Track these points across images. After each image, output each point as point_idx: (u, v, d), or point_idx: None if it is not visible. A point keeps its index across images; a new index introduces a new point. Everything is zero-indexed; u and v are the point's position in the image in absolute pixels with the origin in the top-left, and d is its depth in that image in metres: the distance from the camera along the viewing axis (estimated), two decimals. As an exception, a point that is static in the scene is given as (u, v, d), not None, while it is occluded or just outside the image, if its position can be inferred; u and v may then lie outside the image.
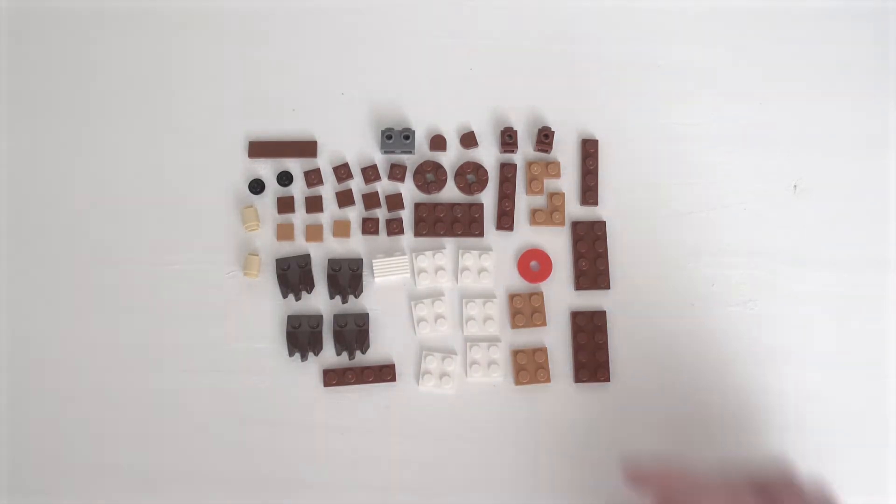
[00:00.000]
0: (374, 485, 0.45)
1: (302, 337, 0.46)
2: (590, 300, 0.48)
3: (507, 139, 0.49)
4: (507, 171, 0.49)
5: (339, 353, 0.46)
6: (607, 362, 0.46)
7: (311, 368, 0.46)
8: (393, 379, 0.46)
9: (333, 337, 0.46)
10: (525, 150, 0.50)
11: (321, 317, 0.46)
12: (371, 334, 0.47)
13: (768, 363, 0.47)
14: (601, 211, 0.49)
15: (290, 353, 0.46)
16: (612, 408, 0.46)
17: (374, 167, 0.49)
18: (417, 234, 0.48)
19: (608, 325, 0.47)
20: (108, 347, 0.46)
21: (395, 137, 0.49)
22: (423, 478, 0.45)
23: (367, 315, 0.46)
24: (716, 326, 0.47)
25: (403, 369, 0.46)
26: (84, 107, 0.50)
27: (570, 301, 0.48)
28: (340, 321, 0.46)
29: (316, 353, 0.46)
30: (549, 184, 0.50)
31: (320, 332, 0.46)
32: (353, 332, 0.45)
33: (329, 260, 0.47)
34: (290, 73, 0.51)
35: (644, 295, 0.48)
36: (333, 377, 0.45)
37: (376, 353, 0.47)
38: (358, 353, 0.46)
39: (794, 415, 0.46)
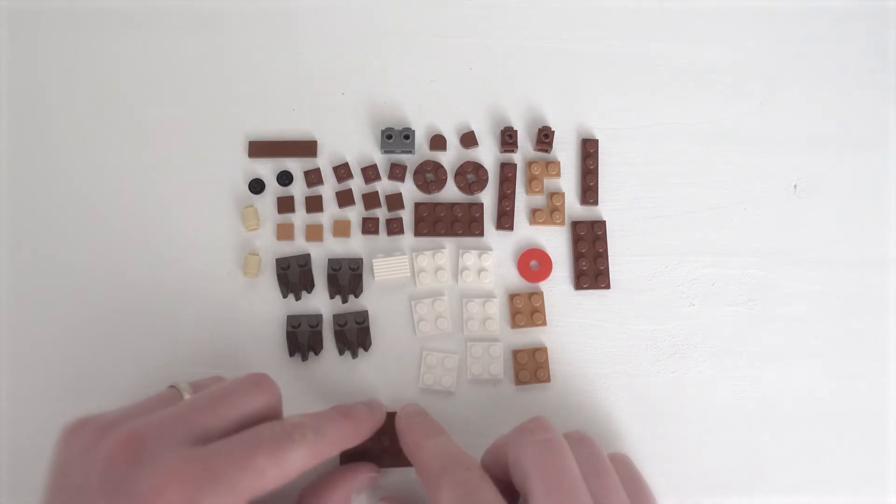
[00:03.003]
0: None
1: (302, 337, 0.46)
2: (590, 300, 0.48)
3: (507, 139, 0.49)
4: (507, 171, 0.49)
5: (341, 353, 0.46)
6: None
7: (312, 368, 0.46)
8: None
9: (335, 336, 0.46)
10: (525, 149, 0.50)
11: (321, 316, 0.46)
12: (371, 333, 0.47)
13: (768, 363, 0.47)
14: (601, 211, 0.49)
15: (291, 353, 0.46)
16: (613, 406, 0.46)
17: (374, 167, 0.49)
18: (417, 233, 0.48)
19: (608, 324, 0.47)
20: (108, 347, 0.46)
21: (395, 137, 0.49)
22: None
23: (365, 312, 0.46)
24: (716, 326, 0.47)
25: (404, 368, 0.46)
26: (82, 107, 0.50)
27: (570, 301, 0.48)
28: (340, 320, 0.46)
29: (316, 353, 0.46)
30: (549, 183, 0.50)
31: (320, 332, 0.46)
32: (354, 331, 0.45)
33: (329, 259, 0.47)
34: (290, 73, 0.51)
35: (644, 294, 0.48)
36: None
37: (377, 352, 0.47)
38: (361, 350, 0.46)
39: (794, 415, 0.46)
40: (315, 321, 0.46)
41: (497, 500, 0.34)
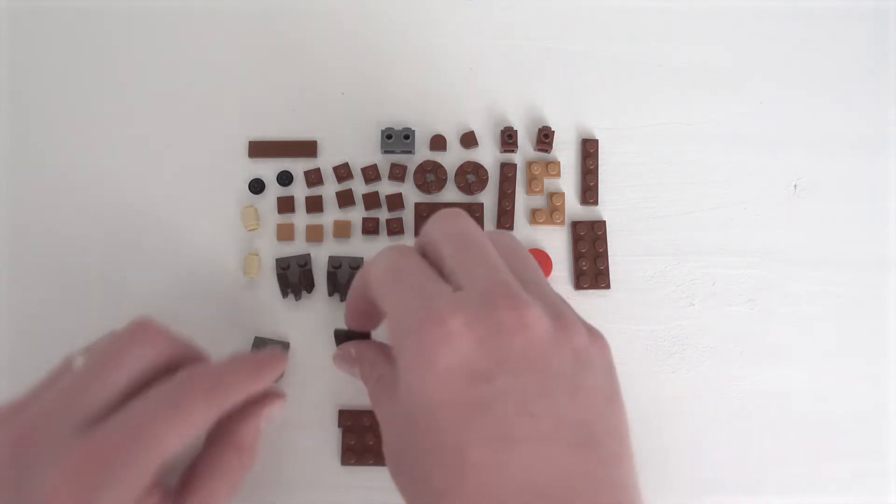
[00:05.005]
0: (375, 483, 0.45)
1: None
2: (590, 300, 0.48)
3: (507, 139, 0.49)
4: (507, 171, 0.49)
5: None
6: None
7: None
8: None
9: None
10: (525, 149, 0.50)
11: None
12: (371, 333, 0.47)
13: (768, 363, 0.47)
14: (601, 211, 0.49)
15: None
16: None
17: (374, 167, 0.49)
18: (418, 233, 0.48)
19: (608, 324, 0.47)
20: (109, 347, 0.46)
21: (395, 137, 0.49)
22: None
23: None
24: (716, 326, 0.47)
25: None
26: (82, 106, 0.50)
27: (570, 300, 0.48)
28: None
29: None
30: (549, 183, 0.50)
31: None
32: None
33: (329, 257, 0.47)
34: (290, 73, 0.51)
35: (644, 294, 0.48)
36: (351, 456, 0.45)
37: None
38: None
39: (794, 415, 0.46)
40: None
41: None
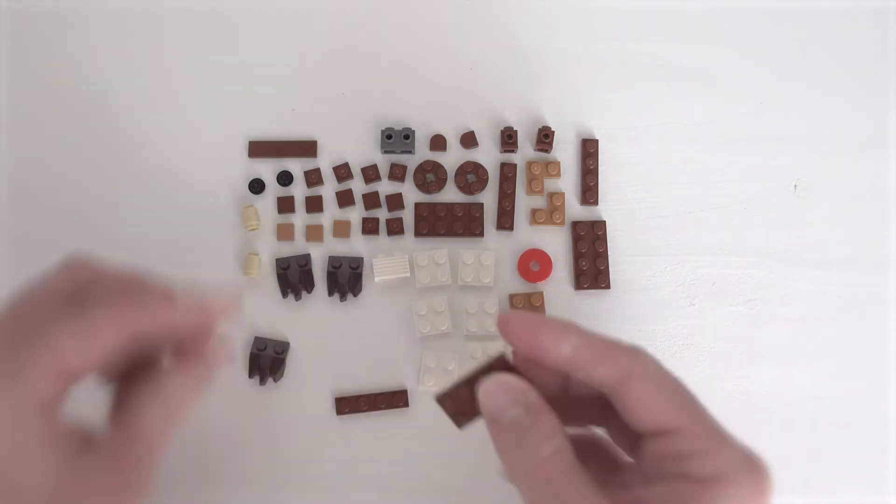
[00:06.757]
0: (375, 483, 0.45)
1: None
2: (590, 300, 0.48)
3: (507, 139, 0.49)
4: (507, 171, 0.49)
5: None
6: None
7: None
8: (405, 405, 0.46)
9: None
10: (525, 149, 0.50)
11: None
12: (371, 333, 0.47)
13: (768, 363, 0.47)
14: (601, 211, 0.49)
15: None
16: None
17: (374, 167, 0.49)
18: (417, 233, 0.48)
19: (608, 324, 0.47)
20: (108, 347, 0.46)
21: (395, 137, 0.49)
22: (423, 476, 0.45)
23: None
24: (716, 326, 0.47)
25: (404, 368, 0.46)
26: (83, 107, 0.50)
27: (570, 301, 0.48)
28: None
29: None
30: (549, 183, 0.50)
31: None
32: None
33: (329, 257, 0.47)
34: (290, 73, 0.51)
35: (644, 294, 0.48)
36: (346, 405, 0.45)
37: (376, 352, 0.47)
38: (357, 340, 0.46)
39: (794, 415, 0.46)
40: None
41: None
